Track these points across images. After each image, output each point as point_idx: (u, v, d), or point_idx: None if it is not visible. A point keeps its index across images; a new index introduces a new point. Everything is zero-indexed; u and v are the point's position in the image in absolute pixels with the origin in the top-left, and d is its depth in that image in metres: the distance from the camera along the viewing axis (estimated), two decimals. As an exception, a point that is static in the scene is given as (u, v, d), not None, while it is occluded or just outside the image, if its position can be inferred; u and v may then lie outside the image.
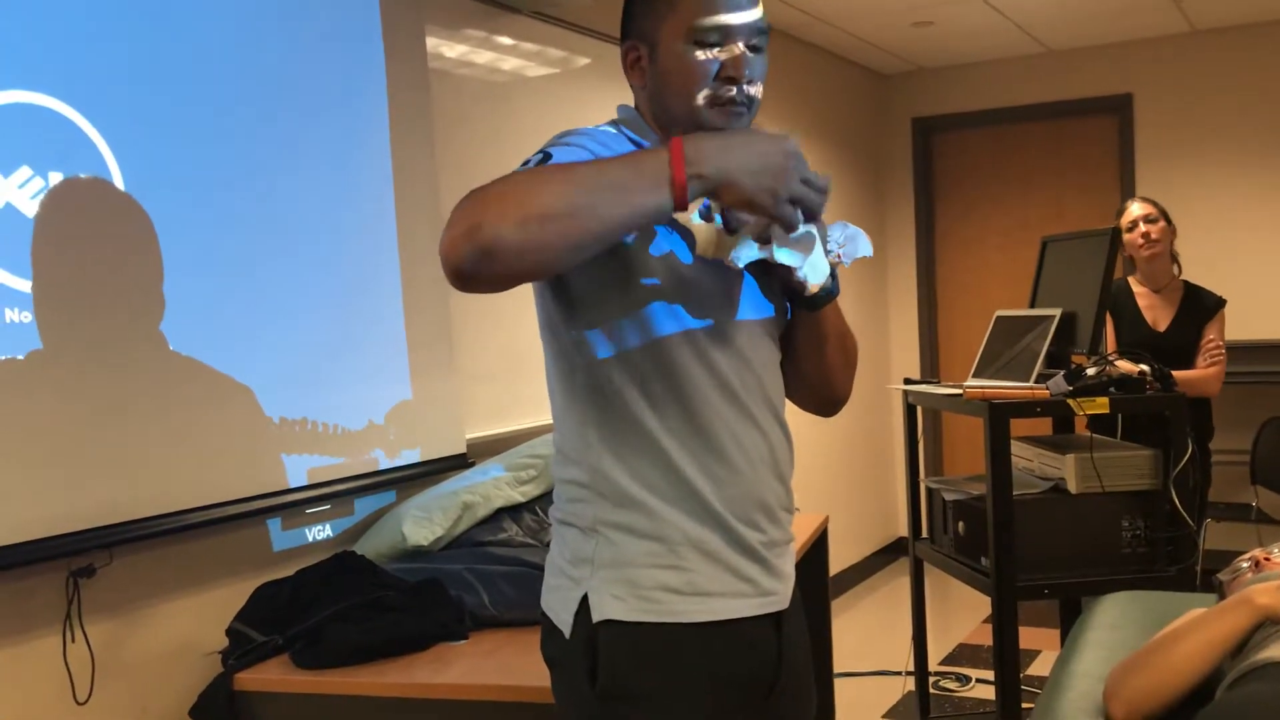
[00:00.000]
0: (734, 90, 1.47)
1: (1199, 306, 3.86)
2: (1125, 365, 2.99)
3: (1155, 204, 3.90)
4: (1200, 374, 3.76)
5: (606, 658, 1.44)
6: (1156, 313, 3.89)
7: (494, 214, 1.23)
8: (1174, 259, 3.94)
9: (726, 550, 1.47)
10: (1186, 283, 3.93)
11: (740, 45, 1.47)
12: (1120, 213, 3.93)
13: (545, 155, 1.40)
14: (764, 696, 1.53)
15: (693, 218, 1.39)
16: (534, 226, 1.23)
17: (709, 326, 1.47)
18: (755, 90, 1.49)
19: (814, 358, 1.60)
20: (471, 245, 1.22)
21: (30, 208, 2.17)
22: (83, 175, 2.26)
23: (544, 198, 1.24)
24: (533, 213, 1.23)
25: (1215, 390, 3.78)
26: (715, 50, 1.47)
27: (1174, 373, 3.63)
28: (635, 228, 1.33)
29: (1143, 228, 3.84)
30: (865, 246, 1.53)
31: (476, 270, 1.25)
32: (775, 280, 1.54)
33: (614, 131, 1.54)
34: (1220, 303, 3.87)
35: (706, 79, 1.47)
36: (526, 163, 1.39)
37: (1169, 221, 3.88)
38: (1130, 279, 3.96)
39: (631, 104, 1.59)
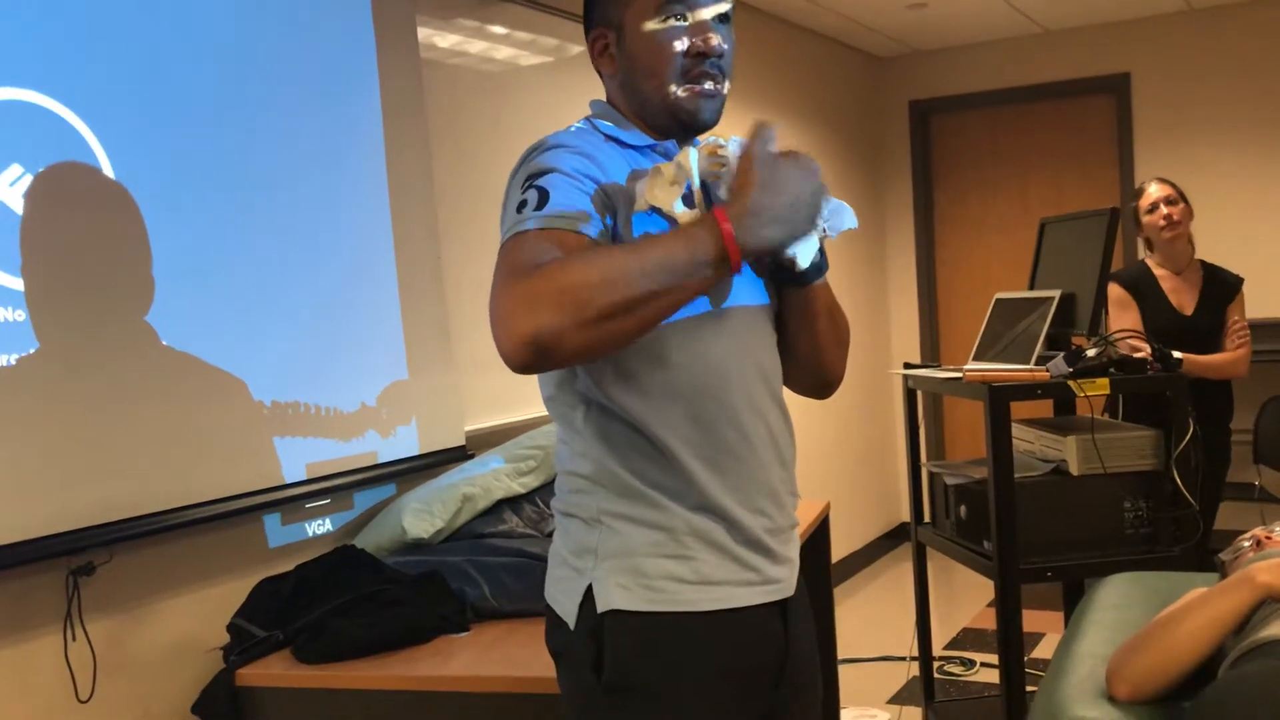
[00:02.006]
0: (705, 65, 1.47)
1: (1221, 286, 3.84)
2: (1137, 345, 2.98)
3: (1173, 185, 3.87)
4: (1231, 357, 3.73)
5: (612, 648, 1.43)
6: (1181, 295, 3.85)
7: (553, 317, 1.23)
8: (1189, 239, 3.92)
9: (730, 540, 1.47)
10: (1204, 262, 3.91)
11: (707, 20, 1.47)
12: (1138, 194, 3.90)
13: (541, 193, 1.36)
14: (771, 685, 1.52)
15: (676, 206, 1.37)
16: (595, 328, 1.25)
17: (703, 314, 1.46)
18: (726, 65, 1.49)
19: (805, 336, 1.58)
20: (535, 351, 1.24)
21: (21, 206, 2.17)
22: (60, 163, 2.24)
23: (603, 297, 1.24)
24: (592, 315, 1.24)
25: (1244, 371, 3.76)
26: (684, 30, 1.46)
27: (1205, 358, 3.63)
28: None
29: (1164, 210, 3.80)
30: (850, 219, 1.52)
31: (541, 368, 1.29)
32: (763, 260, 1.52)
33: (586, 128, 1.53)
34: (1240, 281, 3.87)
35: (676, 56, 1.46)
36: (524, 203, 1.36)
37: (1187, 202, 3.86)
38: (1148, 261, 3.92)
39: (604, 97, 1.58)
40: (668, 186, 1.36)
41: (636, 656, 1.43)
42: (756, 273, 1.54)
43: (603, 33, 1.52)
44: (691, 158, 1.38)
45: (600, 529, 1.46)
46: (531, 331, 1.23)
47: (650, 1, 1.46)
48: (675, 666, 1.44)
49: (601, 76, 1.57)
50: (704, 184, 1.43)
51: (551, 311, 1.23)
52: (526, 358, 1.25)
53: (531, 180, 1.39)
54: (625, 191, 1.42)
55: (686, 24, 1.46)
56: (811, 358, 1.60)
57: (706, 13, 1.47)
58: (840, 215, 1.52)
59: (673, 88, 1.47)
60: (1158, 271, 3.88)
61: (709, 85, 1.48)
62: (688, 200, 1.39)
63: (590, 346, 1.26)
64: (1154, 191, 3.84)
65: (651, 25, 1.46)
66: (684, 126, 1.51)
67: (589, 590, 1.45)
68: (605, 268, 1.26)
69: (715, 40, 1.47)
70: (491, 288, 1.31)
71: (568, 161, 1.41)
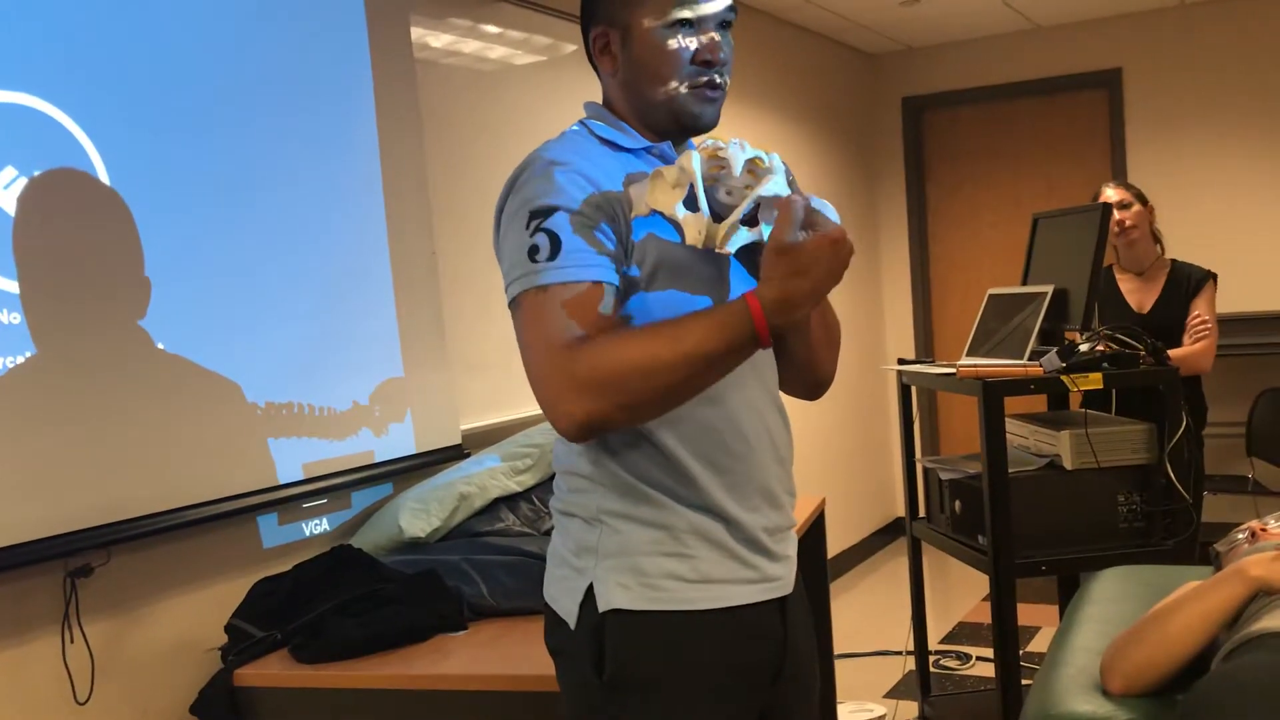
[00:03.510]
0: (710, 71, 1.48)
1: (1184, 282, 3.78)
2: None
3: (1129, 187, 3.80)
4: (1187, 351, 3.66)
5: (613, 647, 1.44)
6: (1140, 295, 3.81)
7: (599, 405, 1.34)
8: (1156, 238, 3.86)
9: (730, 539, 1.48)
10: (1173, 261, 3.87)
11: (713, 28, 1.49)
12: (1094, 199, 3.83)
13: (552, 238, 1.38)
14: (770, 682, 1.54)
15: (678, 210, 1.38)
16: (640, 410, 1.38)
17: (700, 315, 1.47)
18: (727, 71, 1.52)
19: (797, 337, 1.59)
20: (588, 431, 1.38)
21: (15, 209, 2.16)
22: (54, 168, 2.24)
23: (645, 385, 1.35)
24: (636, 402, 1.36)
25: (1207, 366, 3.70)
26: (690, 34, 1.47)
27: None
28: None
29: (1117, 215, 3.73)
30: (833, 218, 1.52)
31: (594, 439, 1.44)
32: (758, 260, 1.53)
33: (581, 131, 1.53)
34: (1206, 276, 3.79)
35: (684, 65, 1.48)
36: (535, 249, 1.38)
37: (1145, 203, 3.80)
38: (1113, 265, 3.90)
39: (597, 98, 1.58)
40: (669, 190, 1.37)
41: (638, 655, 1.44)
42: (751, 274, 1.54)
43: (605, 31, 1.52)
44: (694, 161, 1.38)
45: (600, 528, 1.47)
46: (583, 419, 1.35)
47: (659, 5, 1.47)
48: (676, 664, 1.45)
49: (598, 73, 1.57)
50: (705, 188, 1.43)
51: (597, 400, 1.34)
52: (581, 437, 1.38)
53: (537, 221, 1.39)
54: (622, 197, 1.43)
55: (695, 30, 1.48)
56: (803, 359, 1.61)
57: (713, 19, 1.49)
58: (824, 214, 1.52)
59: (677, 90, 1.48)
60: (1119, 274, 3.84)
61: (712, 90, 1.50)
62: (690, 203, 1.39)
63: (636, 421, 1.41)
64: (1109, 196, 3.77)
65: (660, 29, 1.47)
66: (684, 129, 1.52)
67: (589, 589, 1.46)
68: (644, 358, 1.34)
69: (722, 49, 1.49)
70: (525, 347, 1.39)
71: (571, 194, 1.40)
